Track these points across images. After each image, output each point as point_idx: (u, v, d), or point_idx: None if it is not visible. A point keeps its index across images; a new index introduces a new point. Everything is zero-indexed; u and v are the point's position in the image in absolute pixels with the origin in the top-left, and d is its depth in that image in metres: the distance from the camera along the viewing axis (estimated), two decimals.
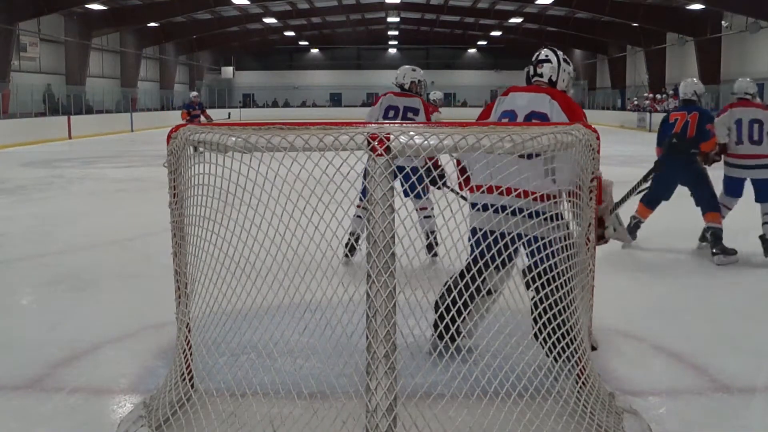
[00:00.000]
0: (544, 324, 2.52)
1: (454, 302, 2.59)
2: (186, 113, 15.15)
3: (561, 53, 3.53)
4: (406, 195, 2.59)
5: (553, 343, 2.52)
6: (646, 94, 29.84)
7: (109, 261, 5.69)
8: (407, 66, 5.74)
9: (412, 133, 2.20)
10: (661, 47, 30.85)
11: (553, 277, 2.53)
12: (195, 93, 16.85)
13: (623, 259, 5.57)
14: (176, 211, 2.76)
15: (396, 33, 42.50)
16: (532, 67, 3.52)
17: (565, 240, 2.62)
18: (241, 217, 2.52)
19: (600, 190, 2.95)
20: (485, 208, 2.95)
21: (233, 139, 2.34)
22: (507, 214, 2.51)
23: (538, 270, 2.56)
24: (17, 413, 2.91)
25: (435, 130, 2.23)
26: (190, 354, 2.80)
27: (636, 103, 30.55)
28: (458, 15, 34.78)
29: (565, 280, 2.56)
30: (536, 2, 27.17)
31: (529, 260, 2.70)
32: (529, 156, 2.58)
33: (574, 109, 3.31)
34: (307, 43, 44.60)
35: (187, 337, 2.76)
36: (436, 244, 4.96)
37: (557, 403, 2.48)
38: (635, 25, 29.13)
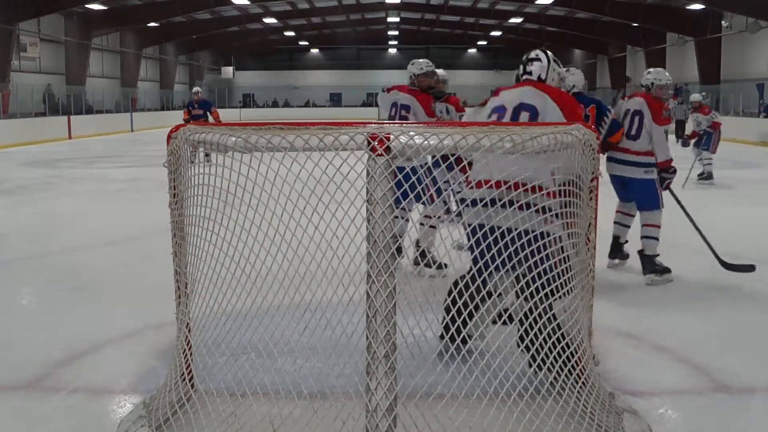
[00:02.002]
0: (535, 334, 2.50)
1: (454, 303, 2.59)
2: (186, 112, 14.04)
3: (552, 55, 3.58)
4: (404, 198, 2.50)
5: (546, 353, 2.50)
6: None
7: (109, 261, 5.69)
8: (416, 59, 5.65)
9: (412, 133, 2.20)
10: (661, 47, 30.84)
11: (548, 282, 2.52)
12: (196, 89, 14.72)
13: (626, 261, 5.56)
14: (176, 211, 2.76)
15: (396, 33, 42.47)
16: (522, 66, 3.58)
17: (558, 243, 2.61)
18: (241, 217, 2.52)
19: None
20: (480, 202, 2.89)
21: (233, 139, 2.34)
22: (499, 207, 2.56)
23: (531, 275, 2.54)
24: (17, 413, 2.91)
25: (435, 130, 2.23)
26: (190, 354, 2.80)
27: None
28: (458, 15, 34.78)
29: (558, 286, 2.56)
30: (536, 2, 27.16)
31: (523, 264, 2.69)
32: None
33: (568, 103, 3.33)
34: (307, 43, 44.58)
35: (187, 337, 2.76)
36: (424, 261, 4.53)
37: (557, 403, 2.47)
38: (635, 25, 29.12)
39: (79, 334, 3.82)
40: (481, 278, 2.63)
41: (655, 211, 4.99)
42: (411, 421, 2.37)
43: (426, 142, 2.19)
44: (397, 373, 2.25)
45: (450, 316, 2.65)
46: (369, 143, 2.17)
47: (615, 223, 5.32)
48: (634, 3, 26.84)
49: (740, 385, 3.20)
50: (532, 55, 3.57)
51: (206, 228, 2.64)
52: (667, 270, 4.97)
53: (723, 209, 6.73)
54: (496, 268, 2.51)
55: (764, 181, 11.62)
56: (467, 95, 43.61)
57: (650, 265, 4.97)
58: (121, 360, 3.49)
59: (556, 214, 2.71)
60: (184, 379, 2.74)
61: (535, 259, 2.50)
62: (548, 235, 2.55)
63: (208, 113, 13.76)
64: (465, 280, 2.58)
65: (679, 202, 5.23)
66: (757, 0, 21.48)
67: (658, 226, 5.01)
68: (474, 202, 2.95)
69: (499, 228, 2.54)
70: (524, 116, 3.29)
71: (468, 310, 2.56)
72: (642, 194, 5.06)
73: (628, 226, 5.33)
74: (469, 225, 2.91)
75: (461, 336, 2.53)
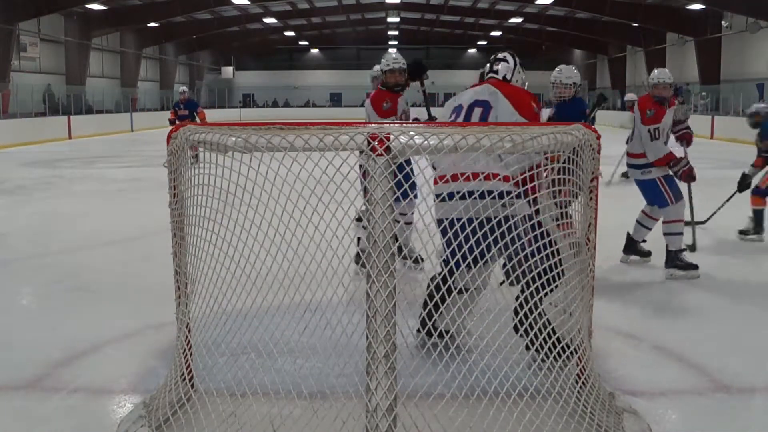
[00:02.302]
0: (531, 322, 2.53)
1: (431, 298, 2.63)
2: (173, 112, 13.81)
3: (518, 59, 3.68)
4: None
5: (544, 338, 2.52)
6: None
7: (109, 261, 5.69)
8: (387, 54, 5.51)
9: (412, 133, 2.20)
10: (661, 47, 30.84)
11: (535, 265, 2.53)
12: (182, 89, 14.39)
13: (625, 261, 5.56)
14: (176, 211, 2.76)
15: (396, 33, 42.47)
16: (488, 65, 3.67)
17: (539, 228, 2.61)
18: (241, 217, 2.52)
19: None
20: (450, 197, 2.95)
21: (233, 139, 2.34)
22: (475, 198, 2.62)
23: (512, 263, 2.56)
24: (17, 413, 2.91)
25: (435, 130, 2.23)
26: (190, 354, 2.80)
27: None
28: (458, 15, 34.78)
29: (547, 268, 2.55)
30: (536, 2, 27.16)
31: (506, 262, 2.72)
32: None
33: (519, 97, 3.42)
34: (307, 43, 44.57)
35: (187, 337, 2.76)
36: (401, 255, 4.86)
37: (557, 403, 2.47)
38: (635, 25, 29.12)
39: (79, 334, 3.82)
40: (452, 278, 2.70)
41: (666, 207, 5.02)
42: (411, 421, 2.37)
43: (426, 142, 2.19)
44: (397, 373, 2.25)
45: (426, 310, 2.69)
46: (369, 143, 2.17)
47: (636, 221, 5.37)
48: (634, 3, 26.84)
49: (740, 385, 3.20)
50: (500, 55, 3.68)
51: (206, 228, 2.64)
52: (693, 266, 4.99)
53: (724, 209, 6.72)
54: (468, 266, 2.54)
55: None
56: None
57: (672, 260, 5.00)
58: (121, 360, 3.49)
59: (518, 195, 2.77)
60: (184, 379, 2.74)
61: (509, 246, 2.50)
62: (512, 217, 2.53)
63: (194, 113, 13.58)
64: (442, 275, 2.63)
65: (690, 195, 5.38)
66: (757, 0, 21.48)
67: (677, 221, 5.02)
68: (439, 197, 3.05)
69: (459, 220, 2.59)
70: (477, 112, 3.40)
71: (445, 304, 2.62)
72: (647, 194, 5.17)
73: (647, 228, 5.34)
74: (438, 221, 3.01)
75: (438, 330, 2.56)
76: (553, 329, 2.57)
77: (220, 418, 2.52)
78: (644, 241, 5.42)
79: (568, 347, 2.61)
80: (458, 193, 2.87)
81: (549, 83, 5.08)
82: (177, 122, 12.92)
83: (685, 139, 5.54)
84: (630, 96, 11.93)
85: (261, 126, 2.32)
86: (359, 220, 5.04)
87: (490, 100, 3.40)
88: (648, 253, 5.40)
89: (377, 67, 5.45)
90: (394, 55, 5.41)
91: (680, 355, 3.54)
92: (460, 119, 3.43)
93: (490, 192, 2.73)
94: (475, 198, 2.69)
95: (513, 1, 29.27)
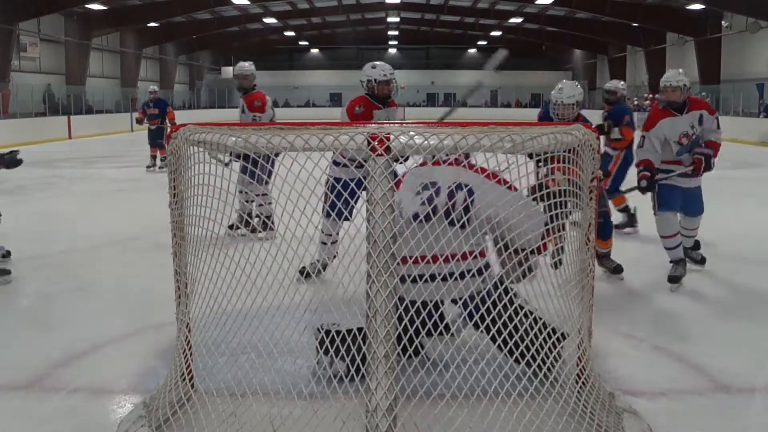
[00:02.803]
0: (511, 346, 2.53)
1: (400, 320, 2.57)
2: (141, 112, 12.93)
3: None
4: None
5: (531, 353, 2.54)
6: (646, 95, 29.84)
7: (109, 261, 5.69)
8: (376, 62, 5.01)
9: (412, 133, 2.20)
10: (661, 47, 30.84)
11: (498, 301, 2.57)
12: (152, 87, 13.67)
13: (623, 260, 5.56)
14: (176, 211, 2.76)
15: (396, 33, 42.47)
16: None
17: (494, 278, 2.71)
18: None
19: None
20: (414, 279, 2.69)
21: (233, 139, 2.34)
22: (440, 280, 2.66)
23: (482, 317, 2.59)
24: (17, 413, 2.91)
25: (435, 130, 2.23)
26: (190, 354, 2.80)
27: (636, 103, 30.56)
28: (458, 15, 34.78)
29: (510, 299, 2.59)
30: (536, 2, 27.17)
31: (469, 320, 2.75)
32: (459, 221, 2.75)
33: None
34: (307, 43, 44.57)
35: (187, 337, 2.76)
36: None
37: (557, 403, 2.47)
38: (635, 25, 29.13)
39: (79, 334, 3.82)
40: (413, 346, 2.73)
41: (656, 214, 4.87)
42: (411, 421, 2.37)
43: (426, 142, 2.19)
44: (397, 373, 2.25)
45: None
46: (369, 143, 2.17)
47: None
48: (634, 3, 26.85)
49: (740, 385, 3.20)
50: None
51: (206, 228, 2.64)
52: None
53: (724, 209, 6.73)
54: (428, 334, 2.61)
55: (765, 181, 11.62)
56: (467, 95, 43.60)
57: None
58: (121, 360, 3.49)
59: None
60: (184, 379, 2.74)
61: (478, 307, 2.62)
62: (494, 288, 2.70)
63: (164, 113, 12.77)
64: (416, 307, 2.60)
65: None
66: (757, 0, 21.48)
67: (665, 237, 4.81)
68: (410, 278, 2.69)
69: (433, 303, 2.66)
70: None
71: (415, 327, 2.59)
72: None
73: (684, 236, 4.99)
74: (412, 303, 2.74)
75: (413, 346, 2.64)
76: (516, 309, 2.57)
77: (220, 418, 2.52)
78: (696, 248, 5.19)
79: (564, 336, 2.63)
80: (439, 274, 2.71)
81: (554, 83, 4.94)
82: (146, 122, 12.63)
83: (695, 165, 4.73)
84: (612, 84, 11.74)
85: (261, 126, 2.32)
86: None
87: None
88: (702, 260, 5.19)
89: (371, 73, 4.83)
90: (384, 64, 4.93)
91: (680, 355, 3.54)
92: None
93: (467, 271, 2.87)
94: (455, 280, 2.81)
95: (513, 1, 29.27)
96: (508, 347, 2.49)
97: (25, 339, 3.79)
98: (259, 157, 2.36)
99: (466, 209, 2.89)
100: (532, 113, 17.83)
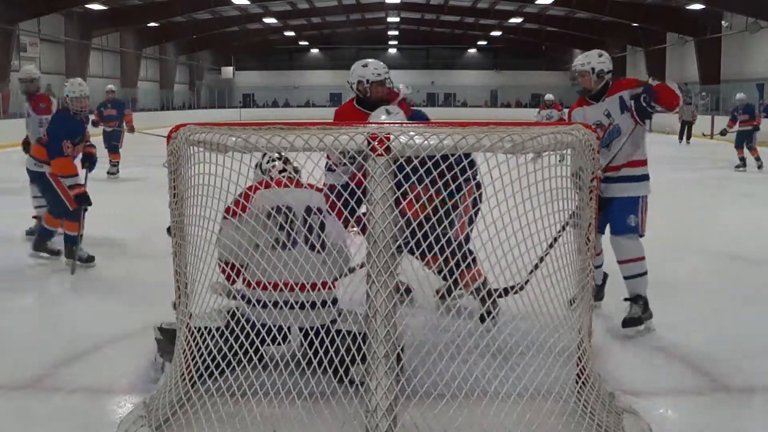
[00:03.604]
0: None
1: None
2: (98, 114, 12.01)
3: None
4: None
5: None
6: None
7: (110, 261, 5.69)
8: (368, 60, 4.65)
9: (412, 133, 2.20)
10: (661, 47, 30.84)
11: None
12: (109, 87, 12.75)
13: None
14: (176, 211, 2.76)
15: (396, 33, 42.47)
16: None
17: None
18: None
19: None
20: (299, 305, 2.86)
21: (233, 139, 2.34)
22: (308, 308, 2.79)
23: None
24: (17, 413, 2.90)
25: (435, 130, 2.23)
26: (190, 354, 2.80)
27: None
28: (458, 15, 34.78)
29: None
30: (536, 2, 27.17)
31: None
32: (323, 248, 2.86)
33: None
34: (307, 43, 44.58)
35: (187, 337, 2.76)
36: None
37: (557, 403, 2.47)
38: (635, 25, 29.13)
39: (79, 333, 3.82)
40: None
41: None
42: (411, 421, 2.37)
43: (426, 142, 2.19)
44: (397, 373, 2.25)
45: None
46: (369, 143, 2.17)
47: None
48: (634, 3, 26.85)
49: (740, 385, 3.20)
50: None
51: (206, 228, 2.64)
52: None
53: (725, 209, 6.73)
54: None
55: (765, 181, 11.62)
56: (467, 95, 43.62)
57: None
58: (121, 360, 3.49)
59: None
60: (184, 379, 2.74)
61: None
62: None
63: (122, 115, 12.24)
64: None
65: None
66: (757, 0, 21.48)
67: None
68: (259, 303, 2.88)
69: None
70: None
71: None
72: None
73: None
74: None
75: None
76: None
77: (220, 418, 2.52)
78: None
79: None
80: (308, 302, 2.87)
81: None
82: (101, 124, 11.81)
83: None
84: (549, 96, 11.58)
85: (261, 126, 2.32)
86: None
87: None
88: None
89: (362, 73, 4.42)
90: (379, 63, 4.53)
91: (680, 355, 3.54)
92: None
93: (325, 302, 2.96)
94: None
95: (513, 1, 29.27)
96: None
97: (25, 339, 3.79)
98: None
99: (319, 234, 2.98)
100: (532, 113, 17.84)
